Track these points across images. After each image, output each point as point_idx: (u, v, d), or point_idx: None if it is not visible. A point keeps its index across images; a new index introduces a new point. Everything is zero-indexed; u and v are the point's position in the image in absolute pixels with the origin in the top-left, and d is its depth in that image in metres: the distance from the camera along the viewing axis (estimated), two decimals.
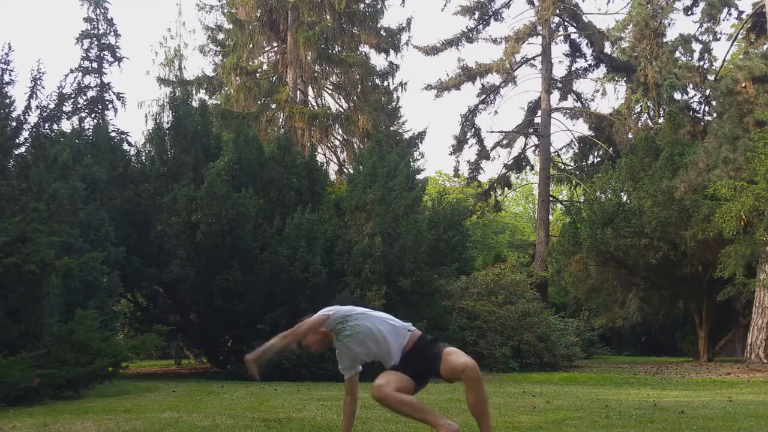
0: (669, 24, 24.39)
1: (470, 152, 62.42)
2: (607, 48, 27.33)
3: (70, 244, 8.64)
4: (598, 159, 28.34)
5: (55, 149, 9.11)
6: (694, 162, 16.31)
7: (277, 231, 12.39)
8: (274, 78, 25.22)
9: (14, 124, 8.46)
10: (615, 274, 19.22)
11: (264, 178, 13.45)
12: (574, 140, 29.45)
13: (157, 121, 14.02)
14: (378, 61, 39.01)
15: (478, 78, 27.65)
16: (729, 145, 15.80)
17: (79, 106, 26.76)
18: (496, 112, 45.90)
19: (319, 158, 22.33)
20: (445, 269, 14.22)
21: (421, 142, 25.73)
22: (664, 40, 23.34)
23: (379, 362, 3.99)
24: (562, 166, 30.18)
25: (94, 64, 27.49)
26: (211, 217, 11.66)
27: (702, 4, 21.45)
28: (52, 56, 61.75)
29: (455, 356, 3.77)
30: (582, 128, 40.01)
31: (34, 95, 8.49)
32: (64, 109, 9.09)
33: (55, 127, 8.81)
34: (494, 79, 28.04)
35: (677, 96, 22.91)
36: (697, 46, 22.46)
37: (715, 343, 18.94)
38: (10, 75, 8.49)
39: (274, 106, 24.81)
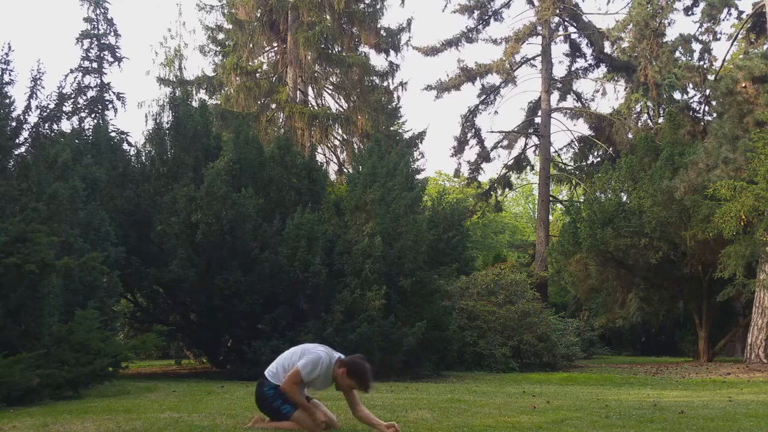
0: (669, 24, 24.46)
1: (471, 153, 62.28)
2: (607, 48, 27.36)
3: (70, 244, 8.62)
4: (598, 159, 28.36)
5: (55, 149, 9.09)
6: (694, 162, 16.31)
7: (277, 231, 12.38)
8: (274, 78, 25.22)
9: (14, 124, 8.44)
10: (615, 274, 19.22)
11: (264, 178, 13.45)
12: (574, 140, 29.48)
13: (157, 121, 14.00)
14: (378, 61, 38.98)
15: (478, 78, 27.67)
16: (729, 145, 15.80)
17: (79, 106, 26.79)
18: (496, 112, 45.90)
19: (319, 158, 22.37)
20: (445, 269, 14.20)
21: (421, 142, 25.77)
22: (664, 40, 23.39)
23: None
24: (562, 166, 30.19)
25: (94, 64, 27.53)
26: (211, 217, 11.65)
27: (702, 4, 21.48)
28: (52, 56, 61.80)
29: None
30: (582, 128, 40.05)
31: (34, 95, 8.47)
32: (64, 109, 9.06)
33: (55, 127, 8.79)
34: (494, 79, 28.10)
35: (677, 96, 22.92)
36: (697, 46, 22.51)
37: (715, 343, 18.93)
38: (10, 75, 8.47)
39: (274, 106, 24.82)
